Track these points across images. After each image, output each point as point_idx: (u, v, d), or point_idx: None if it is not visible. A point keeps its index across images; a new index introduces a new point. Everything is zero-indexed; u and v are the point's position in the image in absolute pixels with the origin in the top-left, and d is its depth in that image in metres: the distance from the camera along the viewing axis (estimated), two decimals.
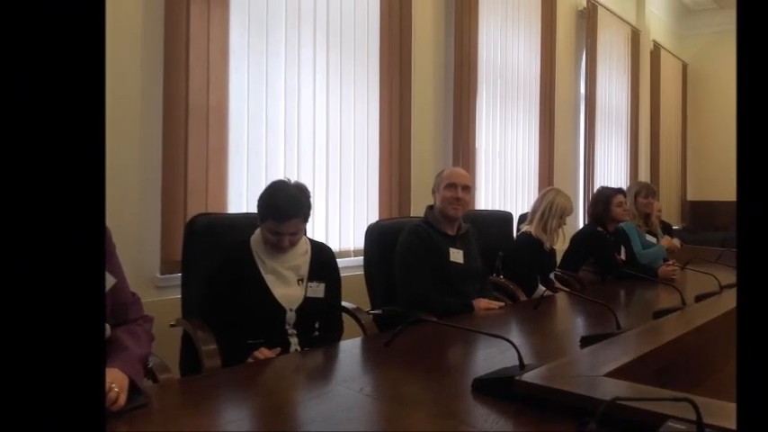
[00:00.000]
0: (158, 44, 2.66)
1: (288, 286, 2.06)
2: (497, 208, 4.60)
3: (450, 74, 4.25)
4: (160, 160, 2.67)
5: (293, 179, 2.13)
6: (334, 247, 3.09)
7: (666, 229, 4.61)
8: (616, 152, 6.76)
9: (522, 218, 3.64)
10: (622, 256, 3.72)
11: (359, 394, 1.44)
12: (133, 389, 1.32)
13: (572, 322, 2.71)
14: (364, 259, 2.76)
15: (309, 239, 2.20)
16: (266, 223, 2.02)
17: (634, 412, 1.09)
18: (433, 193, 2.74)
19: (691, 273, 3.62)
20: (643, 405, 1.11)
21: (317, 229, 3.25)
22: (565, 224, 3.39)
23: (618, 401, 1.06)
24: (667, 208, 7.32)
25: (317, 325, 2.10)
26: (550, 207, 3.30)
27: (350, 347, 2.00)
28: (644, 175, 7.07)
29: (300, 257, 2.11)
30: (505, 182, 4.94)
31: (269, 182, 2.12)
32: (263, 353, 1.90)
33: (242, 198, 2.94)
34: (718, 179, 7.92)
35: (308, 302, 2.08)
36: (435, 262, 2.59)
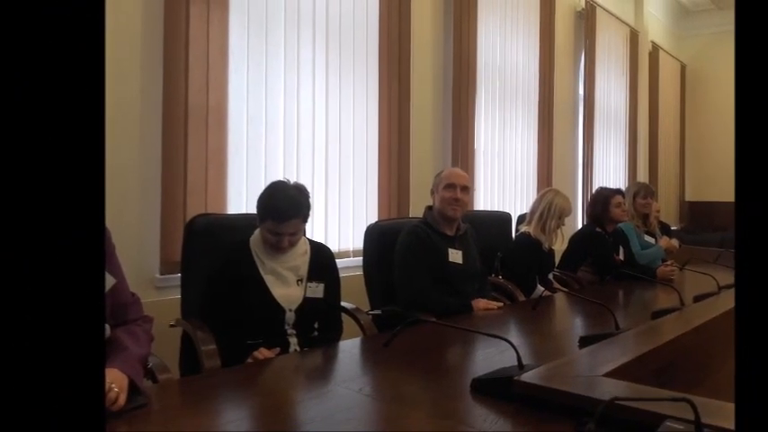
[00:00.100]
0: (158, 45, 2.66)
1: (287, 286, 2.07)
2: (496, 208, 4.60)
3: (449, 74, 4.26)
4: (160, 161, 2.67)
5: (292, 179, 2.13)
6: (334, 247, 3.10)
7: (665, 229, 4.62)
8: (615, 153, 6.76)
9: (521, 218, 3.64)
10: (621, 257, 3.73)
11: (358, 394, 1.44)
12: (133, 389, 1.32)
13: (571, 322, 2.71)
14: (363, 259, 2.76)
15: (309, 240, 2.20)
16: (266, 224, 2.02)
17: (633, 412, 1.10)
18: (432, 193, 2.74)
19: (689, 273, 3.62)
20: (641, 405, 1.11)
21: (316, 229, 3.25)
22: (563, 225, 3.40)
23: (616, 401, 1.06)
24: (666, 208, 7.33)
25: (316, 325, 2.11)
26: (549, 207, 3.30)
27: (349, 348, 2.00)
28: (642, 176, 7.07)
29: (300, 258, 2.11)
30: (504, 182, 4.94)
31: (268, 182, 2.12)
32: (263, 353, 1.90)
33: (241, 198, 2.94)
34: (717, 180, 7.93)
35: (307, 303, 2.08)
36: (434, 262, 2.59)
